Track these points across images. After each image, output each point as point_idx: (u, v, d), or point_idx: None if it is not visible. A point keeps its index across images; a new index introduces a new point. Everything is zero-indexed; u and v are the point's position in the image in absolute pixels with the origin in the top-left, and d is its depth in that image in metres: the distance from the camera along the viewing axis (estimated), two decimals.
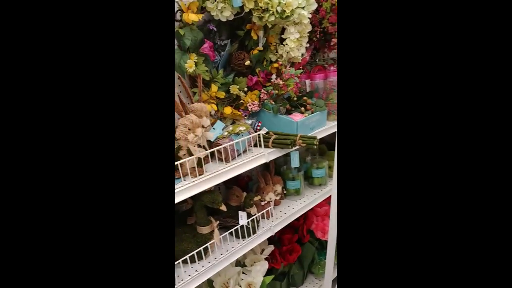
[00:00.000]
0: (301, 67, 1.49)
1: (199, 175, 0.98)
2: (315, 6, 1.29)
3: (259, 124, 1.31)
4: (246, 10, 1.19)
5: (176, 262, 1.01)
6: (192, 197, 1.02)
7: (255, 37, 1.30)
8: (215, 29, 1.24)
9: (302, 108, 1.37)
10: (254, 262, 1.43)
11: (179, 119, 0.99)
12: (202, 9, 1.17)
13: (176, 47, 1.22)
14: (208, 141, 1.07)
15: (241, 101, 1.29)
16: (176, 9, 1.16)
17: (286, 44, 1.35)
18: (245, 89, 1.28)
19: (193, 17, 1.11)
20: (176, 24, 1.17)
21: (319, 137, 1.31)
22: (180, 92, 1.27)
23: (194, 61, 1.14)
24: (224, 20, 1.18)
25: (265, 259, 1.44)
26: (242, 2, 1.15)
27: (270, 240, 1.53)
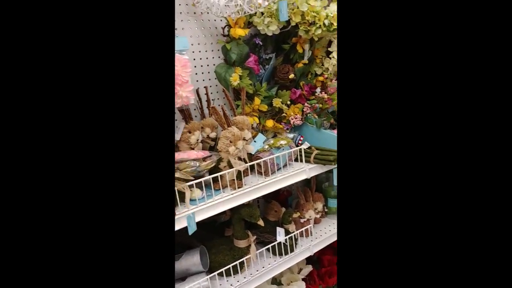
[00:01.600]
0: None
1: (238, 187, 0.98)
2: None
3: (301, 138, 1.28)
4: (293, 24, 1.18)
5: (211, 274, 1.01)
6: (230, 209, 1.01)
7: (300, 51, 1.28)
8: (260, 43, 1.25)
9: None
10: (291, 282, 1.37)
11: (222, 131, 1.01)
12: (249, 24, 1.19)
13: (222, 60, 1.26)
14: (249, 154, 1.06)
15: (284, 114, 1.27)
16: (224, 24, 1.20)
17: (333, 57, 1.31)
18: (288, 102, 1.27)
19: (240, 32, 1.13)
20: (223, 38, 1.21)
21: None
22: (224, 104, 1.29)
23: (239, 75, 1.16)
24: (270, 34, 1.19)
25: (303, 279, 1.38)
26: (289, 16, 1.15)
27: (309, 260, 1.46)
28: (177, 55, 0.92)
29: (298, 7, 1.15)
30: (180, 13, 1.16)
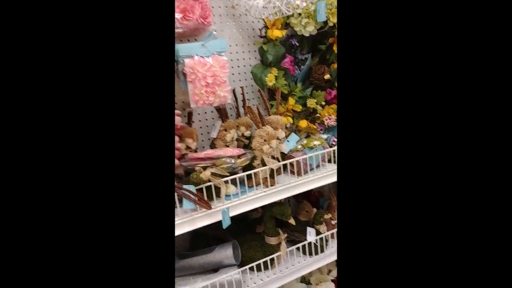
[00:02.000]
0: None
1: (271, 185, 1.00)
2: None
3: (335, 139, 1.27)
4: (330, 24, 1.18)
5: (243, 268, 1.05)
6: (262, 207, 1.04)
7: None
8: (297, 44, 1.26)
9: None
10: (320, 282, 1.37)
11: (256, 129, 1.03)
12: (286, 25, 1.21)
13: (259, 61, 1.28)
14: (282, 153, 1.08)
15: (317, 114, 1.27)
16: (261, 25, 1.23)
17: None
18: (323, 103, 1.27)
19: (277, 33, 1.15)
20: (260, 40, 1.24)
21: None
22: (259, 104, 1.32)
23: (275, 75, 1.18)
24: (307, 35, 1.19)
25: (332, 281, 1.37)
26: (327, 17, 1.15)
27: None
28: (216, 56, 0.96)
29: (336, 8, 1.14)
30: (220, 15, 1.21)
